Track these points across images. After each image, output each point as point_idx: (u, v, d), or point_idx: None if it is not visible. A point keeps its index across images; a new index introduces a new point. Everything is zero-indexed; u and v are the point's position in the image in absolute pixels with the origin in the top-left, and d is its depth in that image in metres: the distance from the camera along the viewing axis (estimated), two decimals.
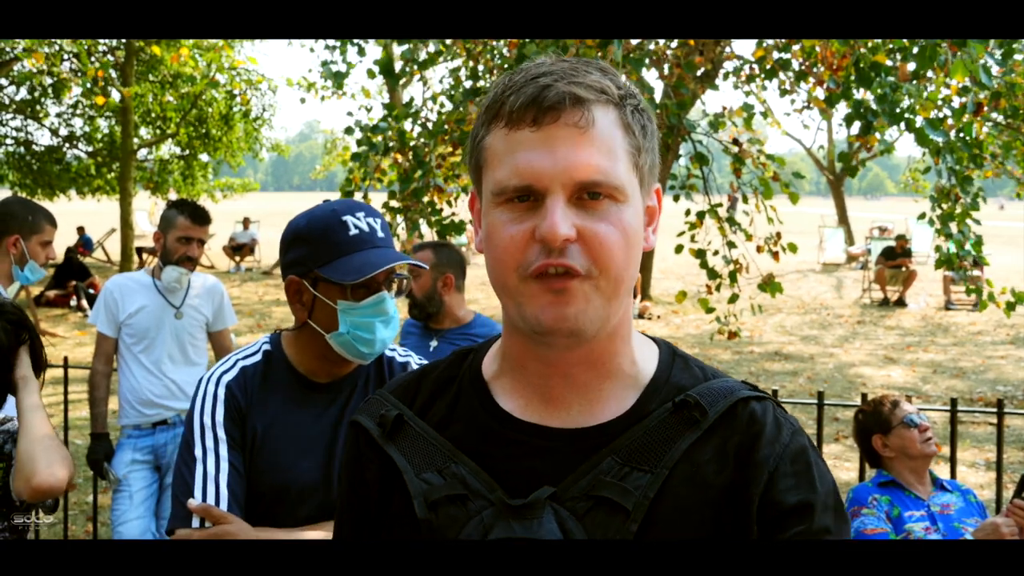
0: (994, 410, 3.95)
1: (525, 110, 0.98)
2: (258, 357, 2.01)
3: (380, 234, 1.95)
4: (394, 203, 6.62)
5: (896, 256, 16.41)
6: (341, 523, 1.21)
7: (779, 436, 1.03)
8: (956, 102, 6.23)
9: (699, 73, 6.87)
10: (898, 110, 5.33)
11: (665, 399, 1.06)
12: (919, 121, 5.23)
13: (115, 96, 15.07)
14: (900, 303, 15.89)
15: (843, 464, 6.70)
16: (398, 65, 6.94)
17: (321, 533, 1.87)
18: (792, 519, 0.99)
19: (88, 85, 13.74)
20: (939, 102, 6.16)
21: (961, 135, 5.63)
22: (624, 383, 1.08)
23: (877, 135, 5.62)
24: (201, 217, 4.03)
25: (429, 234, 7.00)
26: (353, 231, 1.92)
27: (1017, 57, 6.43)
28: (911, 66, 6.05)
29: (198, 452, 1.88)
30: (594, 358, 1.05)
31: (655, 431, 1.03)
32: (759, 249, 6.55)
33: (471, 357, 1.17)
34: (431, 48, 6.88)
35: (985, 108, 5.61)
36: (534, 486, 1.01)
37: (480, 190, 1.06)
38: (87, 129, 20.86)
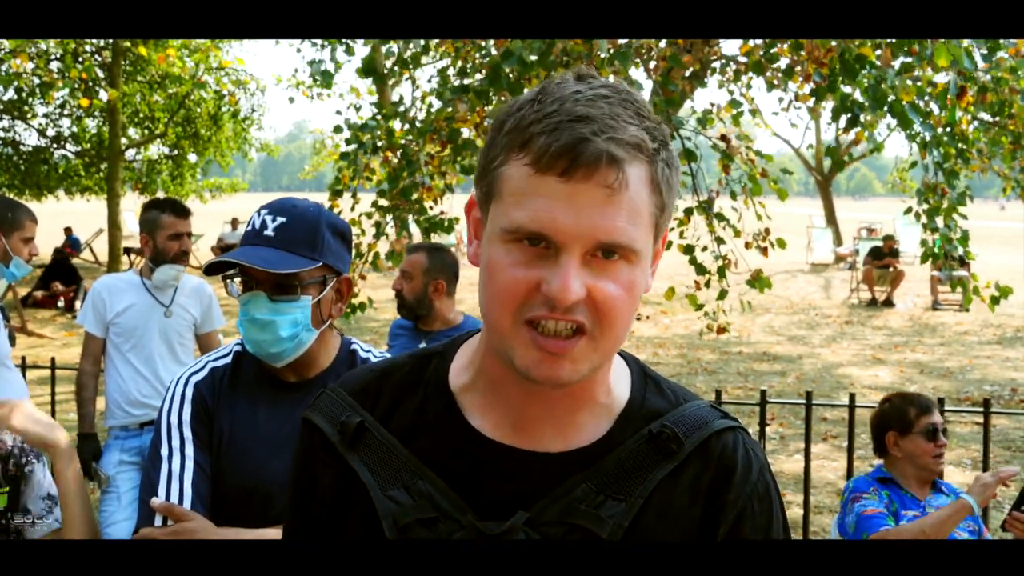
0: (980, 410, 3.98)
1: (557, 158, 0.91)
2: (228, 359, 1.99)
3: (269, 232, 1.84)
4: (383, 202, 6.61)
5: (884, 256, 16.48)
6: (292, 522, 1.16)
7: (749, 475, 1.06)
8: (938, 82, 6.18)
9: (688, 73, 6.87)
10: (880, 96, 5.32)
11: (639, 425, 1.05)
12: (905, 107, 5.22)
13: (103, 96, 14.98)
14: (888, 303, 15.95)
15: (830, 464, 6.72)
16: (387, 64, 6.93)
17: None
18: None
19: (75, 86, 13.65)
20: (922, 85, 6.12)
21: (948, 129, 5.63)
22: (599, 409, 1.06)
23: (865, 131, 5.62)
24: (184, 210, 4.09)
25: (417, 233, 6.97)
26: (249, 227, 1.89)
27: (1002, 53, 6.44)
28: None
29: (164, 452, 1.86)
30: (575, 391, 1.02)
31: (630, 460, 1.02)
32: (747, 245, 6.55)
33: (435, 362, 1.12)
34: (415, 47, 6.85)
35: (969, 93, 5.61)
36: (505, 509, 1.00)
37: (486, 209, 1.01)
38: (75, 129, 20.74)
